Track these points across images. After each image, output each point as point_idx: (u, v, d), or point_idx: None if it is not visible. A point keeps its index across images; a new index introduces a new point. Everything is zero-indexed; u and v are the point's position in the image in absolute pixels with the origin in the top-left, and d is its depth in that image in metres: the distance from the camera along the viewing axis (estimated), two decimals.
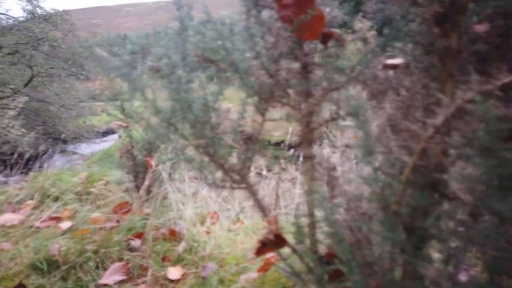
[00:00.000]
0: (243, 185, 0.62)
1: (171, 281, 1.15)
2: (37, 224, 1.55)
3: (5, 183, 2.89)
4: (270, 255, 1.16)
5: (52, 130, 14.02)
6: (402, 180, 0.46)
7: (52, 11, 13.58)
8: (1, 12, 12.93)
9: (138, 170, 1.59)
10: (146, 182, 1.46)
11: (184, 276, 1.16)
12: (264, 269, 1.07)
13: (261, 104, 0.59)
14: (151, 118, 1.63)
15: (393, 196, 0.45)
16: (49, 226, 1.58)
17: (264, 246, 0.62)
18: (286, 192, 2.80)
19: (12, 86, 11.49)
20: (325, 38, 0.62)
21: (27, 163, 3.40)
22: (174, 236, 1.32)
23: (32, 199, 1.94)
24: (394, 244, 0.46)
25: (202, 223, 1.47)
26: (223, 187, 0.64)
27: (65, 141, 17.88)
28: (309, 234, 0.62)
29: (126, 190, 1.66)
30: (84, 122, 21.92)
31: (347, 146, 2.31)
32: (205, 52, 0.65)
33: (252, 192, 0.62)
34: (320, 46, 0.63)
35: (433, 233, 0.46)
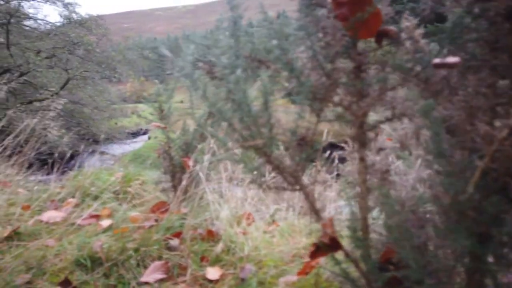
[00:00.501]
0: (297, 187, 0.61)
1: (210, 281, 1.15)
2: (78, 221, 1.60)
3: (42, 181, 3.02)
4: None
5: (85, 131, 14.53)
6: (472, 184, 0.44)
7: (87, 16, 14.10)
8: (40, 17, 13.57)
9: (175, 171, 1.61)
10: (184, 182, 1.48)
11: (222, 276, 1.17)
12: (304, 272, 1.05)
13: (316, 105, 0.58)
14: (190, 120, 1.65)
15: (464, 201, 0.42)
16: (90, 223, 1.63)
17: (318, 249, 0.60)
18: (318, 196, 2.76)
19: (49, 89, 12.03)
20: (380, 36, 0.60)
21: (61, 162, 3.53)
22: (211, 236, 1.33)
23: (73, 197, 2.01)
24: (464, 250, 0.43)
25: (238, 224, 1.46)
26: (277, 188, 0.63)
27: (97, 142, 18.50)
28: (363, 239, 0.60)
29: (163, 190, 1.69)
30: (116, 123, 22.61)
31: (381, 149, 2.25)
32: (255, 52, 0.65)
33: (306, 193, 0.61)
34: (374, 44, 0.61)
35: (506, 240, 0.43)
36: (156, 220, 1.43)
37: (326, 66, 0.55)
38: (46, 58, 12.24)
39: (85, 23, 13.56)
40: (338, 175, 2.74)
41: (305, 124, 0.57)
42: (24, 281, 1.14)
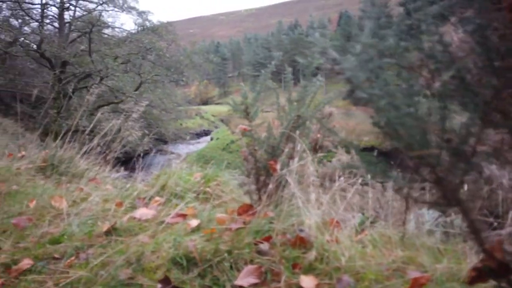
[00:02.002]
0: (453, 202, 0.54)
1: None
2: (167, 220, 1.66)
3: (119, 178, 3.21)
4: (417, 274, 1.06)
5: (155, 131, 15.40)
6: None
7: (158, 23, 15.00)
8: (117, 26, 14.72)
9: (260, 173, 1.60)
10: (271, 186, 1.46)
11: (318, 286, 1.12)
12: None
13: (481, 108, 0.51)
14: (276, 122, 1.63)
15: None
16: (177, 222, 1.68)
17: (481, 274, 0.54)
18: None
19: (124, 92, 12.97)
20: None
21: (130, 160, 3.73)
22: (303, 242, 1.29)
23: (160, 196, 2.11)
24: None
25: (327, 231, 1.41)
26: (427, 203, 0.58)
27: (165, 142, 19.60)
28: None
29: (247, 193, 1.69)
30: (181, 124, 23.70)
31: None
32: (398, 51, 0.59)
33: (465, 210, 0.54)
34: None
35: None
36: (245, 223, 1.43)
37: (497, 63, 0.48)
38: (122, 63, 13.23)
39: (156, 30, 14.44)
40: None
41: (463, 132, 0.51)
42: (127, 276, 1.20)
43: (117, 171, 3.78)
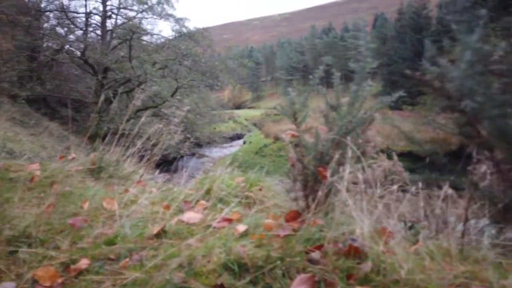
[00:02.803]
0: None
1: None
2: (214, 224, 1.67)
3: (159, 180, 3.28)
4: None
5: (190, 135, 15.72)
6: None
7: (195, 30, 15.36)
8: (155, 32, 15.23)
9: (308, 180, 1.58)
10: (320, 193, 1.43)
11: None
12: None
13: None
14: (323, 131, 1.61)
15: None
16: (223, 227, 1.69)
17: None
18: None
19: (162, 96, 13.35)
20: None
21: (166, 162, 3.81)
22: (357, 252, 1.26)
23: (203, 199, 2.13)
24: None
25: (380, 240, 1.36)
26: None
27: (199, 145, 19.96)
28: None
29: (295, 199, 1.67)
30: (214, 128, 24.02)
31: None
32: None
33: None
34: None
35: None
36: (294, 230, 1.41)
37: None
38: (160, 68, 13.65)
39: (193, 36, 14.79)
40: None
41: None
42: (180, 280, 1.21)
43: (158, 174, 3.87)
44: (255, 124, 42.74)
